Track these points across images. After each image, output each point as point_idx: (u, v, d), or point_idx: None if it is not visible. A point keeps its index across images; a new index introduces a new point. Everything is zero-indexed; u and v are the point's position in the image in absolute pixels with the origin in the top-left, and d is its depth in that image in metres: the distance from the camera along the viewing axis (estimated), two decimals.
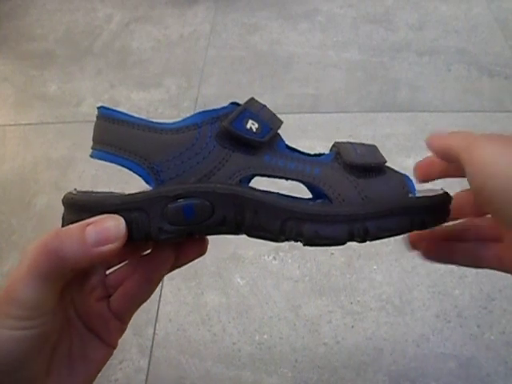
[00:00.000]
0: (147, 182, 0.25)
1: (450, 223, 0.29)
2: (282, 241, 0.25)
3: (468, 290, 0.72)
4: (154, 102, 1.07)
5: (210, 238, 0.28)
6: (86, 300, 0.28)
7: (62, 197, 0.26)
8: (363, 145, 0.28)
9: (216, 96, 1.06)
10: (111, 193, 0.27)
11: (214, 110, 0.26)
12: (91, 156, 0.26)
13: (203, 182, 0.25)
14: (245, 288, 0.75)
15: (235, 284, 0.76)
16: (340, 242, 0.25)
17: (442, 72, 1.06)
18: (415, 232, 0.29)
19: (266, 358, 0.68)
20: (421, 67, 1.08)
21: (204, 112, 0.26)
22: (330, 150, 0.29)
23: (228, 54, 1.17)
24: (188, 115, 0.26)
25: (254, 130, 0.25)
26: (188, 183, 0.25)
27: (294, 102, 1.03)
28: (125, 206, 0.24)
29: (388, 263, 0.76)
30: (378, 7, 1.24)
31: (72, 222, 0.24)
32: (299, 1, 1.28)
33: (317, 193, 0.27)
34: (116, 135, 0.25)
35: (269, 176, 0.26)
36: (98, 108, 0.26)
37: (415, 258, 0.63)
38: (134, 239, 0.24)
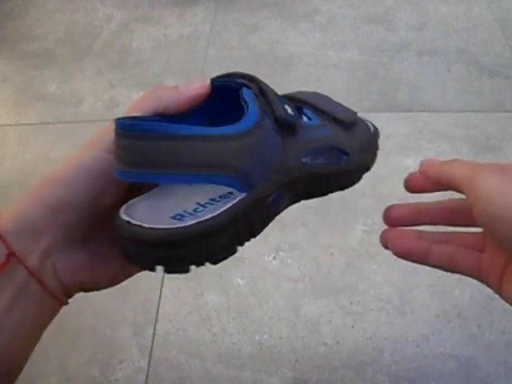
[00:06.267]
0: (239, 190, 0.25)
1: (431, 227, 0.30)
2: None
3: (468, 290, 0.72)
4: None
5: None
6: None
7: None
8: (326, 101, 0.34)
9: None
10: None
11: (252, 102, 0.26)
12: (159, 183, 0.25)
13: (280, 173, 0.26)
14: (245, 288, 0.75)
15: (235, 284, 0.76)
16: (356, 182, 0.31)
17: (441, 72, 1.06)
18: (389, 229, 0.30)
19: (266, 358, 0.68)
20: (421, 67, 1.08)
21: (252, 107, 0.26)
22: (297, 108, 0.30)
23: (228, 54, 1.17)
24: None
25: (293, 113, 0.27)
26: (272, 179, 0.26)
27: None
28: (231, 222, 0.24)
29: (388, 263, 0.76)
30: (378, 7, 1.24)
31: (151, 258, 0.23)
32: (299, 1, 1.28)
33: (333, 151, 0.30)
34: (187, 153, 0.22)
35: (310, 149, 0.28)
36: (135, 125, 0.22)
37: None
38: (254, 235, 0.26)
